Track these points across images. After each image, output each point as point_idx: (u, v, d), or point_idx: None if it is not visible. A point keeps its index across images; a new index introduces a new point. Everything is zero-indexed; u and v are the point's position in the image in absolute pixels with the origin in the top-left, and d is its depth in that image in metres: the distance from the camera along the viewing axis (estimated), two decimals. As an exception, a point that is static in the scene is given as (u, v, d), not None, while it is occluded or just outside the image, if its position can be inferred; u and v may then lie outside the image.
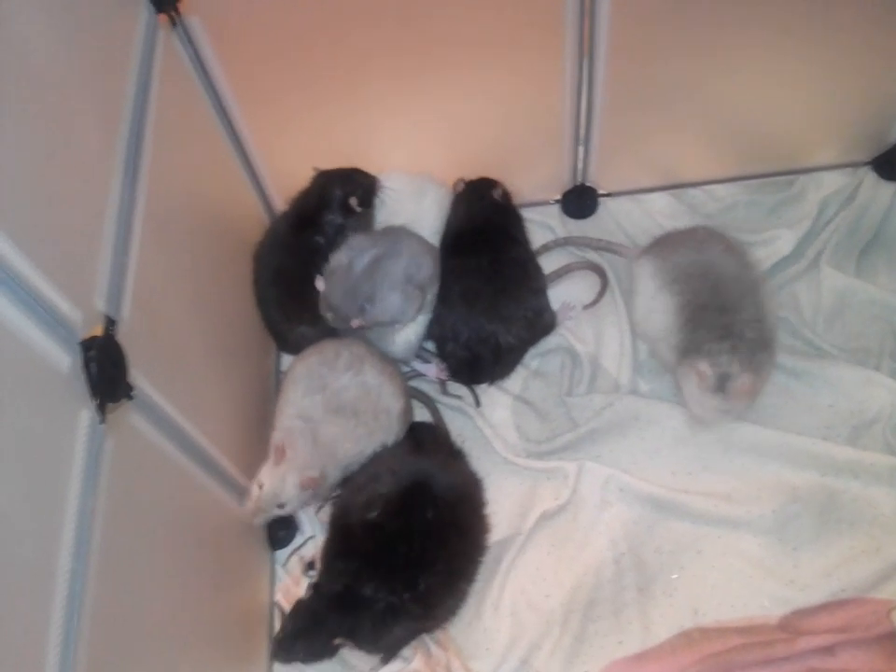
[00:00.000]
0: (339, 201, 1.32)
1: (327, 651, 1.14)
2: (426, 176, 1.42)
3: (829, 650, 1.14)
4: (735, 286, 1.23)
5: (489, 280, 1.31)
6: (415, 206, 1.40)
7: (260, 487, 1.16)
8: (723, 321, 1.20)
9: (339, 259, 1.27)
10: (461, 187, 1.43)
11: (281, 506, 1.17)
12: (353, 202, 1.32)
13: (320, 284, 1.26)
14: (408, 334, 1.33)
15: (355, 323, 1.25)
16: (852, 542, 1.20)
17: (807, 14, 1.24)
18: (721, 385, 1.18)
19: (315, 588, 1.14)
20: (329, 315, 1.27)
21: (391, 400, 1.25)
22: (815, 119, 1.44)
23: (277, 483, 1.15)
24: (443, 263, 1.36)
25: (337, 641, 1.11)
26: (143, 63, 1.06)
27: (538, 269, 1.40)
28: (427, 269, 1.30)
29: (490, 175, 1.44)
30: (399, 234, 1.31)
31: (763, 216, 1.49)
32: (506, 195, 1.42)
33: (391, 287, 1.26)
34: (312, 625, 1.11)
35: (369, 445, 1.22)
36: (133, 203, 0.95)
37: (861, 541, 1.20)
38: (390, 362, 1.30)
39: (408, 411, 1.30)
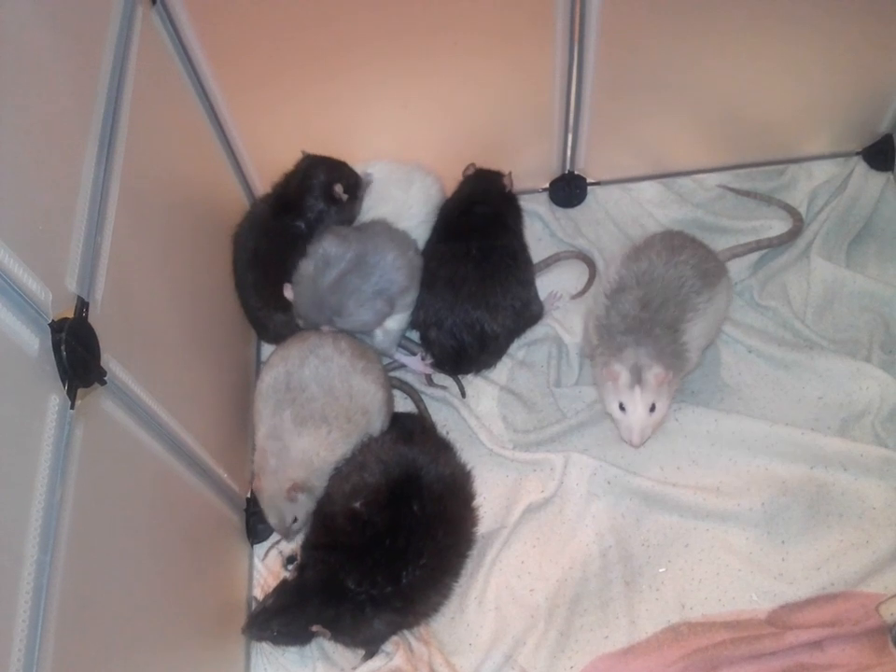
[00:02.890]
0: (323, 187, 1.29)
1: (301, 637, 1.12)
2: (413, 165, 1.40)
3: (817, 644, 1.13)
4: (670, 298, 1.19)
5: (477, 266, 1.29)
6: (402, 194, 1.37)
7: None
8: (641, 317, 1.18)
9: (306, 267, 1.24)
10: (472, 170, 1.42)
11: (295, 520, 1.17)
12: (338, 189, 1.29)
13: (289, 293, 1.25)
14: (389, 326, 1.31)
15: (325, 329, 1.24)
16: (841, 536, 1.19)
17: (798, 4, 1.22)
18: (637, 376, 1.15)
19: (301, 571, 1.12)
20: (299, 322, 1.26)
21: (366, 398, 1.21)
22: (806, 109, 1.43)
23: (274, 511, 1.16)
24: (432, 247, 1.34)
25: (314, 629, 1.09)
26: (120, 39, 1.02)
27: (528, 260, 1.38)
28: (400, 281, 1.27)
29: (477, 162, 1.42)
30: (373, 239, 1.27)
31: (753, 204, 1.47)
32: (512, 186, 1.41)
33: (358, 302, 1.24)
34: (292, 607, 1.10)
35: (348, 447, 1.19)
36: (108, 182, 0.92)
37: (850, 535, 1.19)
38: (364, 355, 1.25)
39: (389, 401, 1.28)
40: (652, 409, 1.15)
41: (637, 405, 1.15)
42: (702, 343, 1.23)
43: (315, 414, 1.17)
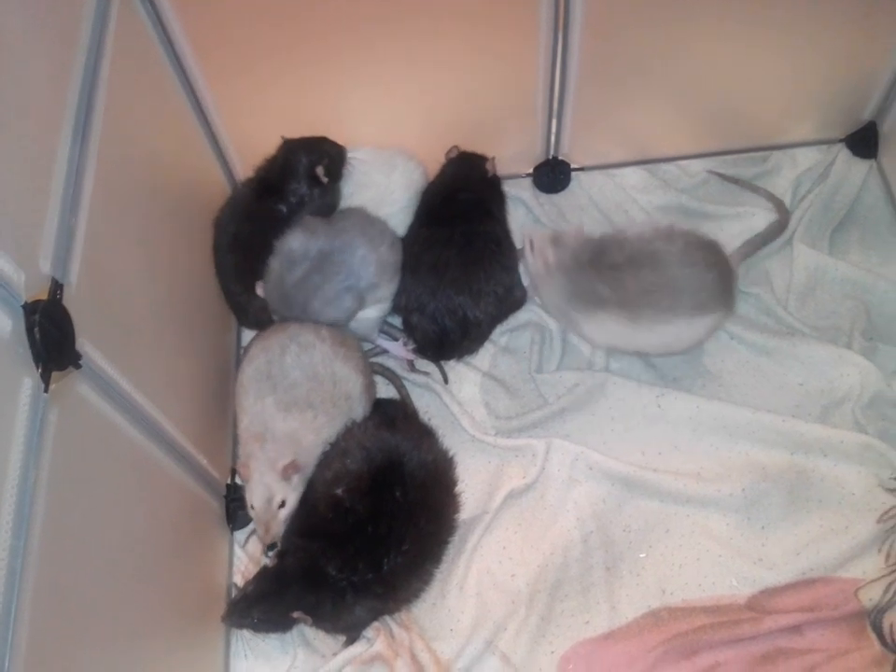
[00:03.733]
0: (305, 169, 1.27)
1: (282, 624, 1.12)
2: (395, 150, 1.39)
3: (796, 629, 1.13)
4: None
5: (460, 251, 1.28)
6: (384, 179, 1.36)
7: (253, 508, 1.13)
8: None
9: (273, 264, 1.23)
10: (455, 153, 1.40)
11: (282, 505, 1.14)
12: (319, 171, 1.28)
13: (260, 290, 1.24)
14: (368, 315, 1.29)
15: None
16: (821, 521, 1.19)
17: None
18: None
19: (281, 557, 1.12)
20: (274, 316, 1.26)
21: (348, 384, 1.20)
22: (789, 96, 1.43)
23: (262, 490, 1.13)
24: (415, 232, 1.33)
25: (295, 615, 1.08)
26: (97, 18, 1.00)
27: (511, 246, 1.37)
28: (369, 278, 1.24)
29: (460, 147, 1.41)
30: (342, 235, 1.24)
31: (737, 191, 1.47)
32: (495, 171, 1.39)
33: (324, 301, 1.23)
34: (273, 594, 1.09)
35: (333, 431, 1.18)
36: (84, 164, 0.90)
37: (829, 520, 1.19)
38: (344, 341, 1.23)
39: (370, 387, 1.27)
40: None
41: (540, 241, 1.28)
42: None
43: (300, 400, 1.15)
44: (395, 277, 1.30)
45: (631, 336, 1.25)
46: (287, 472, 1.12)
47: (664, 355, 1.32)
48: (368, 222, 1.28)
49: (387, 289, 1.29)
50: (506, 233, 1.37)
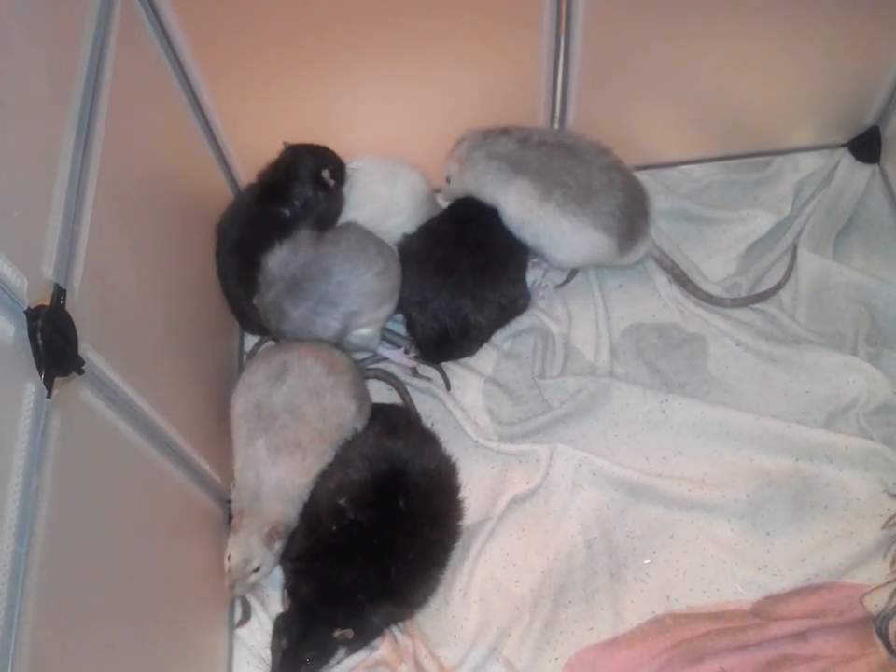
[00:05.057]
0: (310, 172, 1.27)
1: (330, 652, 1.09)
2: (398, 160, 1.38)
3: (801, 635, 1.13)
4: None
5: (471, 255, 1.28)
6: (388, 191, 1.35)
7: (229, 559, 1.13)
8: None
9: (259, 280, 1.23)
10: None
11: (256, 570, 1.13)
12: (325, 174, 1.27)
13: (256, 300, 1.25)
14: (362, 331, 1.28)
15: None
16: (826, 527, 1.19)
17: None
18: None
19: (294, 592, 1.11)
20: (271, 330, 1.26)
21: (339, 416, 1.19)
22: (792, 101, 1.42)
23: (244, 549, 1.12)
24: (435, 223, 1.33)
25: (336, 635, 1.07)
26: (100, 23, 1.00)
27: (521, 259, 1.36)
28: (348, 304, 1.22)
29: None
30: (328, 255, 1.22)
31: (739, 196, 1.47)
32: None
33: (293, 325, 1.22)
34: (310, 627, 1.07)
35: (323, 463, 1.17)
36: (87, 169, 0.91)
37: (834, 526, 1.19)
38: (333, 368, 1.20)
39: (363, 405, 1.24)
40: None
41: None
42: None
43: (290, 441, 1.14)
44: (385, 303, 1.28)
45: (536, 217, 1.29)
46: (271, 539, 1.12)
47: (551, 259, 1.37)
48: (358, 247, 1.24)
49: (376, 314, 1.27)
50: (518, 245, 1.35)
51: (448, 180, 1.37)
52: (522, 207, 1.29)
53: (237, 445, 1.18)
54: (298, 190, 1.27)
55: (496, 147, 1.31)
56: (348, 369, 1.24)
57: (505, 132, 1.33)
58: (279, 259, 1.22)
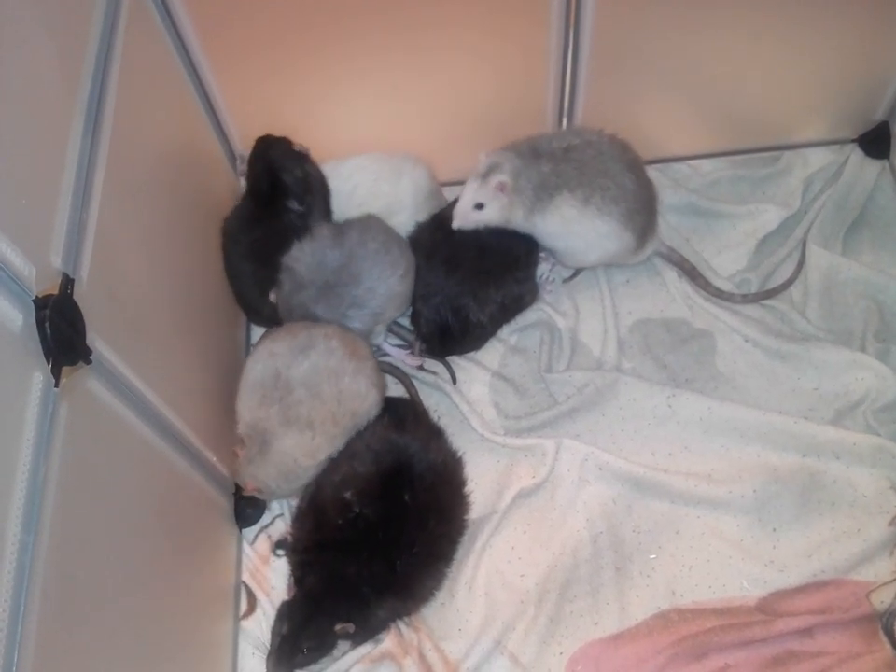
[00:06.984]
0: (286, 153, 1.27)
1: (328, 644, 1.09)
2: (402, 156, 1.37)
3: (807, 631, 1.12)
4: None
5: (478, 255, 1.27)
6: (392, 189, 1.34)
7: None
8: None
9: (283, 280, 1.23)
10: None
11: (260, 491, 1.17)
12: (297, 147, 1.28)
13: (273, 296, 1.25)
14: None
15: None
16: (832, 523, 1.19)
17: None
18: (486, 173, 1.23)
19: (300, 582, 1.11)
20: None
21: (356, 402, 1.18)
22: (801, 96, 1.42)
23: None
24: (446, 218, 1.30)
25: (337, 628, 1.06)
26: (108, 11, 1.00)
27: (530, 258, 1.35)
28: (374, 307, 1.24)
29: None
30: (357, 258, 1.22)
31: (748, 191, 1.46)
32: None
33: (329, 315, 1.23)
34: (311, 617, 1.07)
35: (332, 450, 1.17)
36: (95, 158, 0.90)
37: (841, 522, 1.19)
38: (356, 352, 1.20)
39: (379, 400, 1.23)
40: (480, 208, 1.24)
41: (467, 193, 1.24)
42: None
43: (301, 418, 1.14)
44: (405, 304, 1.29)
45: (576, 224, 1.27)
46: (250, 489, 1.17)
47: (569, 260, 1.36)
48: (384, 249, 1.24)
49: (394, 314, 1.29)
50: (529, 244, 1.34)
51: (479, 206, 1.25)
52: (562, 220, 1.27)
53: (247, 407, 1.17)
54: (287, 175, 1.25)
55: (540, 169, 1.24)
56: (369, 357, 1.24)
57: (535, 152, 1.25)
58: (307, 261, 1.22)
